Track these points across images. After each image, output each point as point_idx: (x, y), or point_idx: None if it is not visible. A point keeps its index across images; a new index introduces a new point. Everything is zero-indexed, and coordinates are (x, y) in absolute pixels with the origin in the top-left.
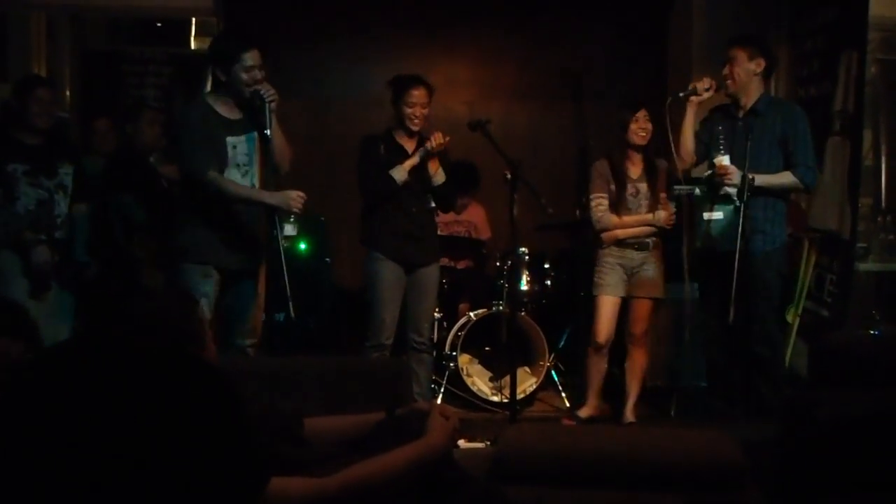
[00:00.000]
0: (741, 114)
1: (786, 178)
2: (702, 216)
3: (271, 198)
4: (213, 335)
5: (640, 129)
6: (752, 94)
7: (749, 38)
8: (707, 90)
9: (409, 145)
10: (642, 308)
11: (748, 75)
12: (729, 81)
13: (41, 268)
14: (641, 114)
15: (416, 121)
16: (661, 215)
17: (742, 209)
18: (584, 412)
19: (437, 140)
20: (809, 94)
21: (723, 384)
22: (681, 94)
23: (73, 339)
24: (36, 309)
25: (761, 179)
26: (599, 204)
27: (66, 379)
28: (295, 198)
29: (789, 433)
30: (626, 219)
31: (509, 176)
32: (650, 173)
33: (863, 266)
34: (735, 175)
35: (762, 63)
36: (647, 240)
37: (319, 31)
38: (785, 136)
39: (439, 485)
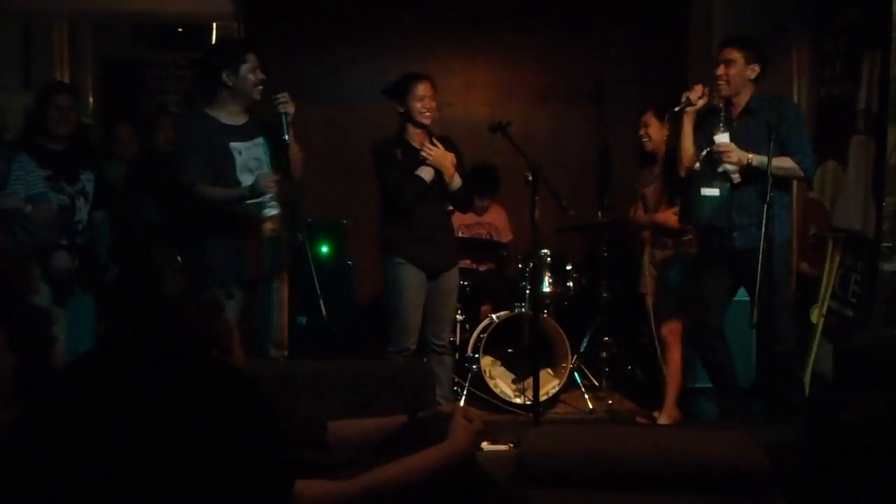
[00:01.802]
0: (734, 114)
1: (784, 161)
2: (699, 191)
3: (245, 189)
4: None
5: (641, 135)
6: (744, 96)
7: (747, 41)
8: (700, 98)
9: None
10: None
11: (743, 80)
12: (722, 83)
13: (62, 274)
14: (641, 119)
15: (428, 114)
16: (668, 214)
17: (765, 212)
18: (663, 419)
19: (427, 151)
20: (832, 93)
21: (726, 383)
22: (676, 109)
23: (101, 347)
24: (59, 315)
25: (757, 160)
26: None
27: (97, 387)
28: (267, 182)
29: (813, 435)
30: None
31: (530, 178)
32: (661, 176)
33: (887, 266)
34: (735, 153)
35: (757, 69)
36: (666, 239)
37: (339, 36)
38: (780, 129)
39: (462, 488)
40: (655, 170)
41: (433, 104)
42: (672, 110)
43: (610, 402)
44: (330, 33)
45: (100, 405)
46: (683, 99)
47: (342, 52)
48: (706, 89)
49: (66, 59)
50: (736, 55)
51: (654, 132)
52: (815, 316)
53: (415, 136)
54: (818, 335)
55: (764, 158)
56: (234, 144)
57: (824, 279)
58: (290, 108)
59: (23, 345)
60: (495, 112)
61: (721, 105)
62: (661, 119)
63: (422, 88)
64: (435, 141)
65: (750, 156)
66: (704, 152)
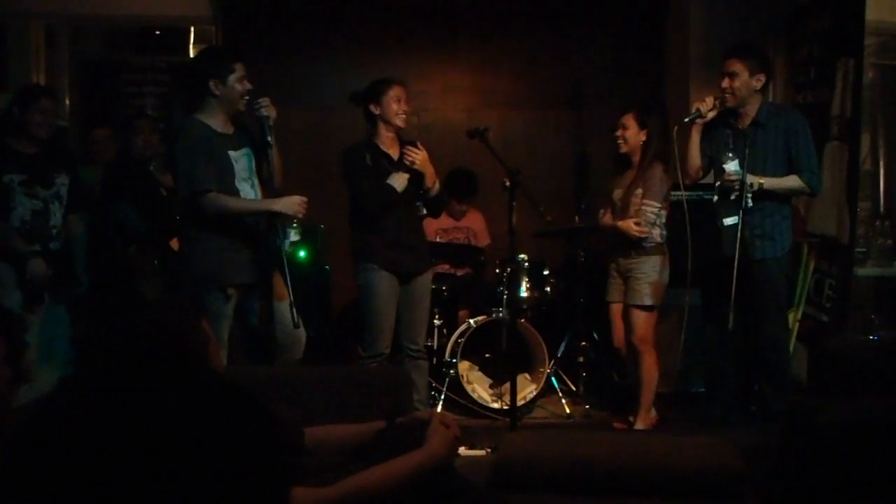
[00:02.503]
0: (741, 125)
1: (792, 181)
2: (722, 222)
3: (276, 204)
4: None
5: (617, 136)
6: (752, 105)
7: (750, 51)
8: (711, 110)
9: (394, 152)
10: (630, 315)
11: (749, 91)
12: (728, 95)
13: (36, 281)
14: (620, 121)
15: (403, 116)
16: (628, 223)
17: (741, 216)
18: (640, 424)
19: (413, 155)
20: (807, 100)
21: (721, 390)
22: (686, 120)
23: (86, 363)
24: (31, 322)
25: (769, 183)
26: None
27: (90, 407)
28: (299, 202)
29: (789, 439)
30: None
31: (508, 183)
32: (637, 180)
33: (861, 271)
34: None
35: (763, 79)
36: (631, 247)
37: (318, 40)
38: (788, 145)
39: (440, 493)
40: (629, 175)
41: (407, 108)
42: (683, 121)
43: (587, 406)
44: (307, 38)
45: (95, 425)
46: (693, 110)
47: (319, 57)
48: (717, 101)
49: (43, 60)
50: (739, 66)
51: (632, 135)
52: (791, 321)
53: (386, 140)
54: (793, 340)
55: (774, 180)
56: (231, 153)
57: (799, 284)
58: (272, 113)
59: (16, 357)
60: (473, 118)
61: (729, 132)
62: (641, 124)
63: (397, 91)
64: (419, 145)
65: (760, 180)
66: (717, 183)
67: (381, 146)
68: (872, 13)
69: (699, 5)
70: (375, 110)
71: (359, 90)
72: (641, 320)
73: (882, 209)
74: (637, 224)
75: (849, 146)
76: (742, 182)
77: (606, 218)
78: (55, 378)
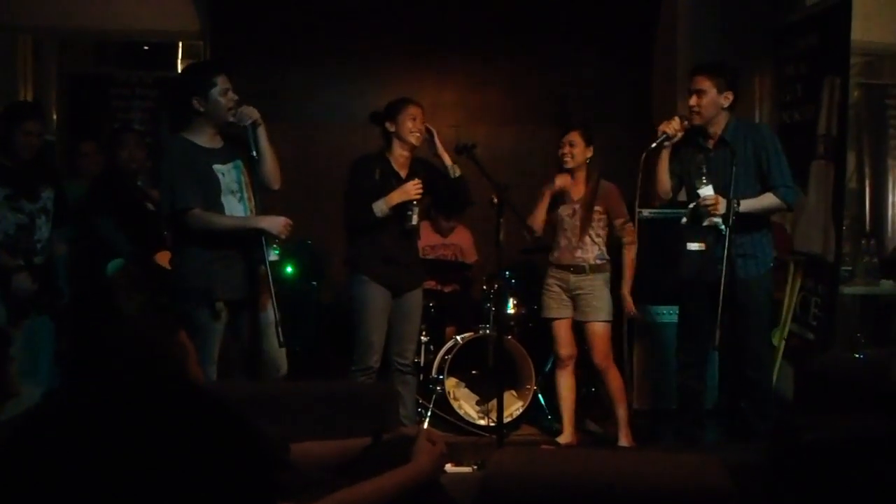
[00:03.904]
0: (711, 143)
1: (768, 199)
2: (686, 246)
3: (261, 222)
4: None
5: (563, 153)
6: (719, 123)
7: (718, 69)
8: (679, 131)
9: (403, 171)
10: (590, 333)
11: (716, 108)
12: (695, 114)
13: (22, 295)
14: (566, 138)
15: (418, 134)
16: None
17: (728, 234)
18: (562, 439)
19: (416, 189)
20: (793, 118)
21: (694, 409)
22: (653, 146)
23: (67, 384)
24: (15, 336)
25: (746, 205)
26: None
27: (66, 429)
28: (283, 223)
29: (774, 457)
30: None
31: (496, 200)
32: (591, 198)
33: (847, 289)
34: (721, 205)
35: (731, 97)
36: (584, 264)
37: (306, 55)
38: (759, 161)
39: None
40: (573, 191)
41: (422, 126)
42: (650, 147)
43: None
44: (297, 53)
45: (77, 444)
46: (661, 134)
47: (309, 72)
48: (684, 122)
49: (31, 74)
50: (707, 84)
51: (579, 152)
52: (777, 339)
53: (399, 158)
54: (779, 358)
55: (749, 202)
56: (216, 167)
57: (785, 302)
58: (254, 115)
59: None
60: (461, 133)
61: (701, 157)
62: (587, 141)
63: (413, 110)
64: (416, 185)
65: (736, 202)
66: (690, 206)
67: (393, 163)
68: (858, 33)
69: (686, 22)
70: (391, 127)
71: (377, 110)
72: (601, 336)
73: (868, 228)
74: (631, 242)
75: (835, 164)
76: (729, 205)
77: (537, 222)
78: (39, 393)
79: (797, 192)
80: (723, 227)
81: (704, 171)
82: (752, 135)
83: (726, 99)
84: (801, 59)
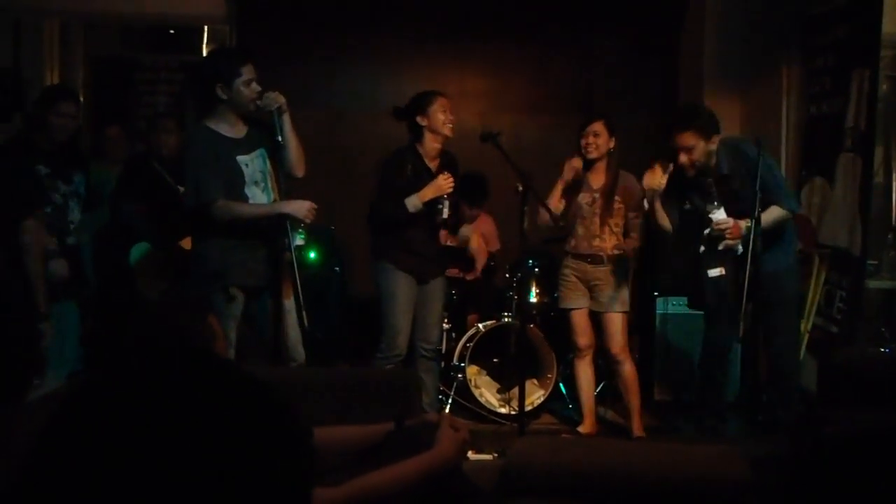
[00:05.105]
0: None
1: (775, 213)
2: (706, 274)
3: (286, 206)
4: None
5: (587, 143)
6: (711, 160)
7: (697, 118)
8: (663, 178)
9: (433, 164)
10: (608, 324)
11: (709, 156)
12: (688, 168)
13: (57, 281)
14: (590, 128)
15: (450, 126)
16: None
17: (753, 226)
18: (582, 429)
19: (448, 184)
20: (821, 110)
21: (716, 400)
22: (644, 201)
23: (97, 362)
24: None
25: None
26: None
27: (97, 413)
28: (308, 207)
29: (796, 450)
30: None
31: (520, 188)
32: (612, 188)
33: (873, 283)
34: (735, 227)
35: (717, 139)
36: (602, 254)
37: (331, 43)
38: (755, 181)
39: (447, 497)
40: (593, 180)
41: (453, 117)
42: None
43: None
44: (322, 39)
45: (110, 427)
46: (648, 192)
47: (334, 58)
48: (667, 167)
49: (57, 58)
50: (693, 139)
51: (603, 142)
52: (801, 331)
53: (430, 150)
54: (803, 351)
55: (764, 219)
56: (240, 158)
57: (810, 295)
58: (280, 101)
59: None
60: (486, 122)
61: (710, 181)
62: (611, 131)
63: (442, 102)
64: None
65: (746, 223)
66: (706, 232)
67: (424, 157)
68: (889, 26)
69: (714, 12)
70: (423, 121)
71: (400, 106)
72: (622, 327)
73: (894, 222)
74: (634, 239)
75: (862, 158)
76: (754, 222)
77: (543, 218)
78: (63, 375)
79: (796, 196)
80: (739, 248)
81: (714, 194)
82: (740, 153)
83: (714, 143)
84: (829, 51)
